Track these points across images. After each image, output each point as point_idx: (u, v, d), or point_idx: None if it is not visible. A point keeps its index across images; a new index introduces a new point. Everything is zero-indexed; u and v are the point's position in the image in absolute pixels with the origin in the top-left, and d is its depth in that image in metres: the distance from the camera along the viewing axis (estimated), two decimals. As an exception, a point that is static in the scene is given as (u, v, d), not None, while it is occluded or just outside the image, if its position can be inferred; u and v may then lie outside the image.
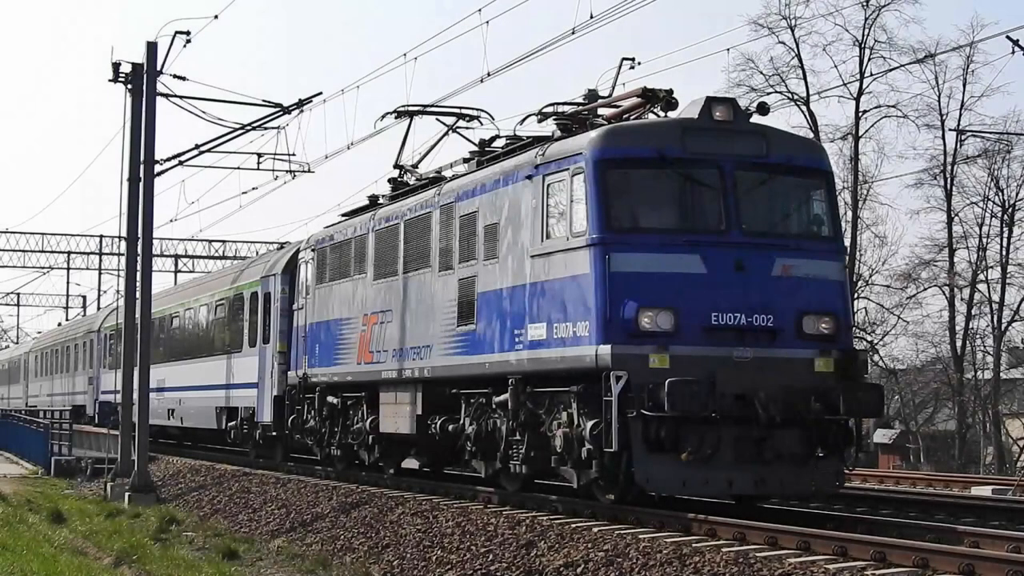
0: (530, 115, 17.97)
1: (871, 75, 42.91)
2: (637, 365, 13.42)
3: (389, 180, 22.68)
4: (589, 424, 13.90)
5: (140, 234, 24.70)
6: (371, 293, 19.84)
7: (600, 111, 16.62)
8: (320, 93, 25.28)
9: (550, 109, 17.50)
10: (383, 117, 22.78)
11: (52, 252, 51.39)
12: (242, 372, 26.21)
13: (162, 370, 30.23)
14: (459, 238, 17.02)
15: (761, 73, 45.00)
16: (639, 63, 29.89)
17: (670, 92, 15.40)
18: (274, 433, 24.38)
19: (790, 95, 45.02)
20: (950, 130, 42.10)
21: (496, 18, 23.32)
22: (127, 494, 23.22)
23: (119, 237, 32.19)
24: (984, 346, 42.70)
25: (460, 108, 22.46)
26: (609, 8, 22.21)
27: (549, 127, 17.20)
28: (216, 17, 24.61)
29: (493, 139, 19.74)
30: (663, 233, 14.32)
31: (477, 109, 22.11)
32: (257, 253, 53.41)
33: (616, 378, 13.28)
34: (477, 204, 16.65)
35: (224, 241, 52.54)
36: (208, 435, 30.87)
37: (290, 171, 27.21)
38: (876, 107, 44.11)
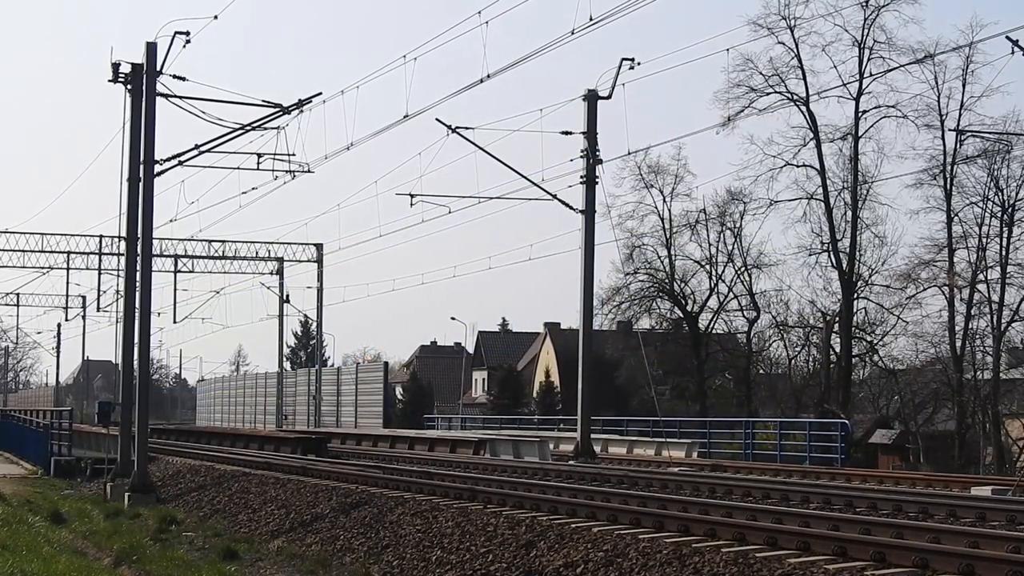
0: None
1: (870, 75, 42.99)
2: None
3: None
4: None
5: (140, 234, 24.70)
6: None
7: None
8: (320, 93, 25.32)
9: None
10: None
11: (52, 252, 51.14)
12: None
13: None
14: None
15: (761, 73, 45.14)
16: (639, 63, 30.18)
17: None
18: None
19: (790, 95, 45.11)
20: (950, 130, 42.14)
21: (496, 18, 23.44)
22: (127, 494, 23.23)
23: (119, 237, 32.14)
24: (984, 346, 42.66)
25: None
26: (609, 10, 22.27)
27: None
28: (216, 17, 24.62)
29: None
30: None
31: None
32: (257, 254, 53.43)
33: None
34: None
35: (224, 241, 52.42)
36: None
37: (290, 171, 27.19)
38: (876, 107, 44.23)
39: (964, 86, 42.20)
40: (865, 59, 43.80)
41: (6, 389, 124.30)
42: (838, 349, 46.60)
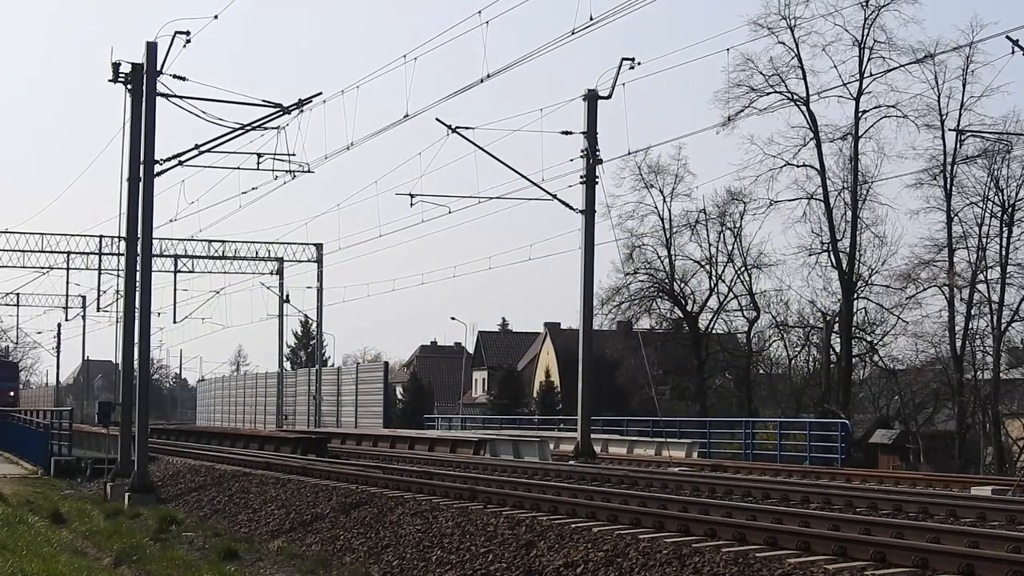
0: None
1: (871, 75, 43.03)
2: None
3: None
4: None
5: (140, 234, 24.70)
6: None
7: None
8: (320, 93, 25.30)
9: None
10: None
11: (52, 252, 51.14)
12: None
13: None
14: None
15: (761, 73, 45.15)
16: (639, 63, 30.22)
17: None
18: None
19: (790, 95, 45.11)
20: (950, 130, 42.17)
21: (496, 18, 23.44)
22: (127, 494, 23.23)
23: (119, 237, 32.11)
24: (984, 346, 42.68)
25: None
26: (609, 9, 22.29)
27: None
28: (216, 17, 24.63)
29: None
30: None
31: None
32: (257, 254, 53.42)
33: None
34: None
35: (224, 241, 52.42)
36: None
37: (290, 171, 27.19)
38: (876, 107, 44.25)
39: (964, 86, 42.28)
40: (865, 59, 43.86)
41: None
42: (838, 349, 46.62)
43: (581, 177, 31.36)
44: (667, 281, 53.34)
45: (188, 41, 23.58)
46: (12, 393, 68.36)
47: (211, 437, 41.88)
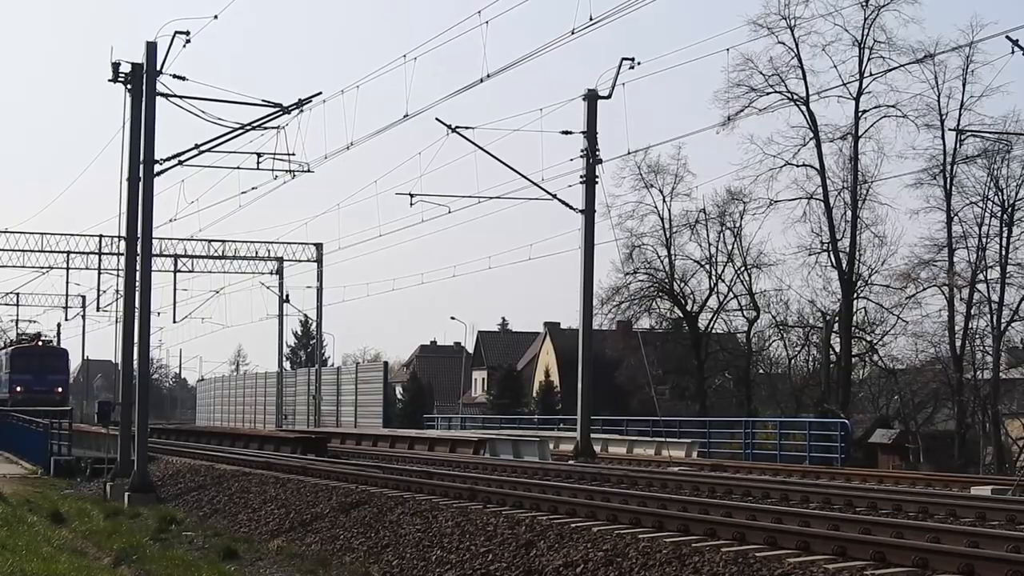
0: None
1: (871, 75, 43.01)
2: None
3: None
4: None
5: (140, 234, 24.70)
6: None
7: None
8: (320, 93, 25.30)
9: None
10: None
11: (52, 252, 51.15)
12: None
13: None
14: None
15: (760, 73, 45.13)
16: (639, 63, 30.23)
17: None
18: None
19: (790, 95, 45.10)
20: (950, 130, 42.17)
21: (496, 18, 23.46)
22: (127, 494, 23.24)
23: (119, 237, 32.15)
24: (983, 346, 42.67)
25: None
26: (609, 9, 22.30)
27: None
28: (216, 17, 24.65)
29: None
30: None
31: None
32: (257, 254, 53.42)
33: None
34: None
35: (224, 241, 52.43)
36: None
37: (290, 171, 27.19)
38: (876, 107, 44.24)
39: (964, 86, 42.27)
40: (865, 59, 43.85)
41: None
42: (838, 349, 46.61)
43: (581, 177, 31.36)
44: (667, 281, 53.33)
45: (188, 41, 23.59)
46: (60, 389, 56.91)
47: (211, 437, 41.87)
